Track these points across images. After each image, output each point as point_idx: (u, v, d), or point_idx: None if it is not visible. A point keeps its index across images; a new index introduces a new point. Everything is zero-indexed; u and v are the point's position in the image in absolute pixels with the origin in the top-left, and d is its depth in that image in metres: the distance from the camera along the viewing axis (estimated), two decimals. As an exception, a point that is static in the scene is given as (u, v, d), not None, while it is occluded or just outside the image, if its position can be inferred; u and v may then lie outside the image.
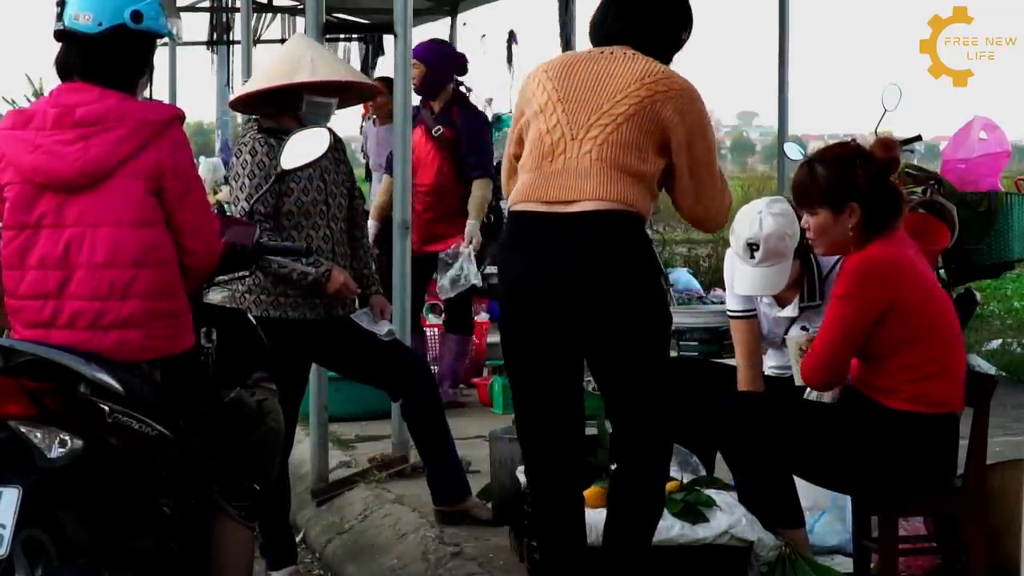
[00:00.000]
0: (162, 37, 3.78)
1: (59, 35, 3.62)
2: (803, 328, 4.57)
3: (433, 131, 7.01)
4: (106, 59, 3.57)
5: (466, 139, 7.04)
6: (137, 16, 3.57)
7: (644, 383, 3.67)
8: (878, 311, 3.93)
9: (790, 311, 4.62)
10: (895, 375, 3.99)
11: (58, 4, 3.58)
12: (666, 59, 3.79)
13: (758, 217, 4.42)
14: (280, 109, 4.76)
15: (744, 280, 4.49)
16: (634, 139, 3.60)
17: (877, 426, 3.99)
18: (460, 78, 7.31)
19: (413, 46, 5.88)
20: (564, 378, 3.73)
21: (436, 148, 7.02)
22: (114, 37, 3.56)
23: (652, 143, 3.62)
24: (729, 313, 4.73)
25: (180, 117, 3.64)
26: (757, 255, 4.39)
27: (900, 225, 4.11)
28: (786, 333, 4.63)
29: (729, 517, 4.07)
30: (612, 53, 3.73)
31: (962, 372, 4.09)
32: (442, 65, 7.03)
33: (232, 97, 5.12)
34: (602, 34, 3.82)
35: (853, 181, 4.03)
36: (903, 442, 3.97)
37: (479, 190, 7.02)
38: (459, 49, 8.37)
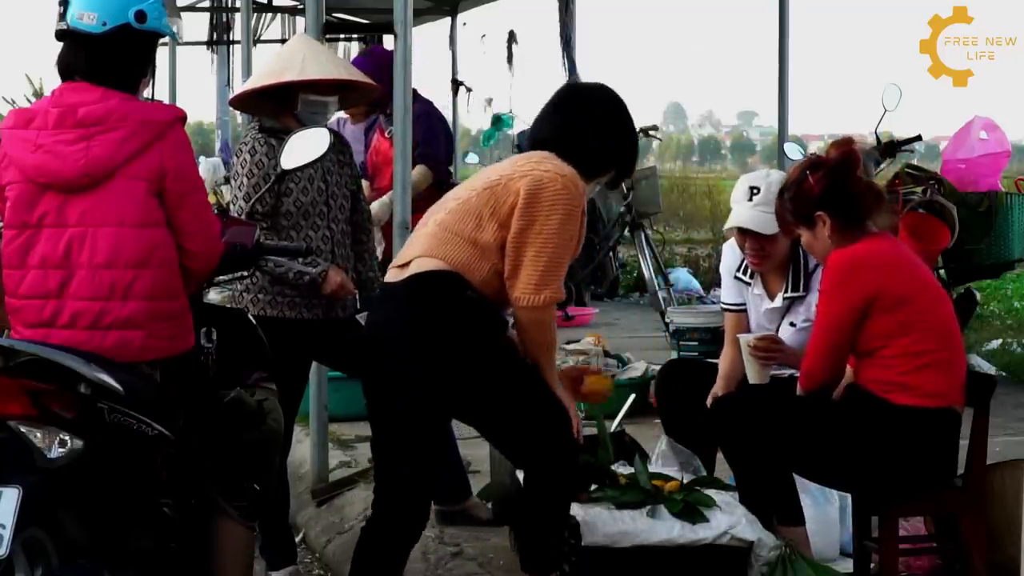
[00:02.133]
0: (164, 36, 3.78)
1: (62, 35, 3.61)
2: (791, 324, 4.61)
3: (387, 133, 7.02)
4: (110, 59, 3.57)
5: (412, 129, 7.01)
6: (141, 16, 3.57)
7: (502, 428, 3.83)
8: (860, 304, 3.98)
9: (778, 303, 4.65)
10: (888, 368, 4.00)
11: (60, 4, 3.57)
12: (593, 171, 3.90)
13: (767, 171, 4.75)
14: (279, 108, 4.76)
15: (737, 216, 4.61)
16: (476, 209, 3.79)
17: (875, 421, 4.00)
18: (460, 78, 7.29)
19: (412, 48, 5.85)
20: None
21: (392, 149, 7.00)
22: (118, 37, 3.56)
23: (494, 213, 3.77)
24: (722, 306, 4.89)
25: (182, 118, 3.64)
26: (756, 197, 4.56)
27: (895, 224, 4.18)
28: (777, 328, 4.67)
29: (729, 517, 4.07)
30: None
31: (960, 367, 4.10)
32: (375, 71, 6.91)
33: (231, 96, 5.11)
34: (534, 139, 3.98)
35: (808, 191, 4.14)
36: (901, 437, 3.97)
37: (416, 174, 6.95)
38: (459, 49, 8.33)
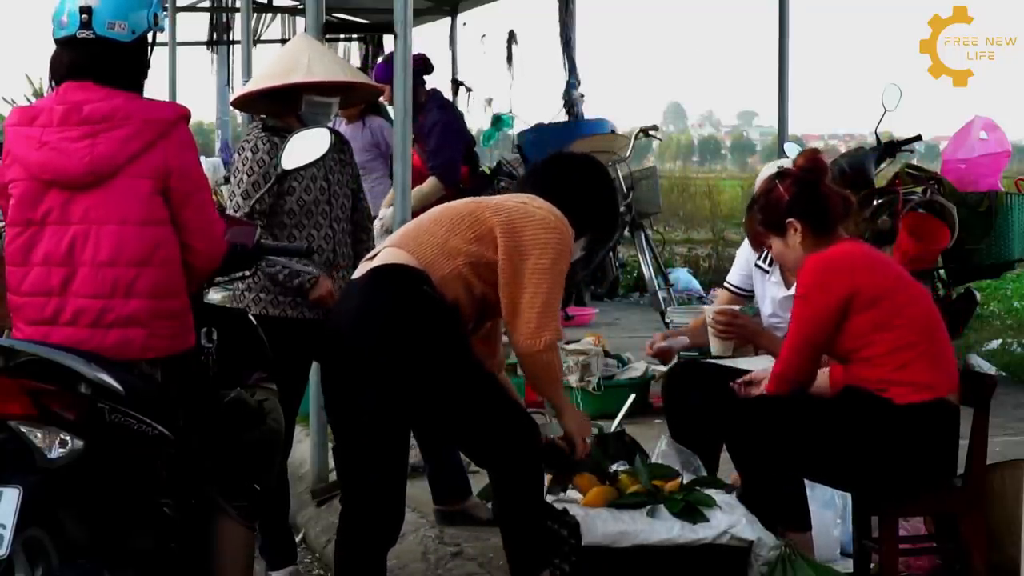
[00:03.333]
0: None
1: (82, 42, 3.55)
2: None
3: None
4: (131, 65, 3.59)
5: (427, 139, 7.02)
6: (156, 19, 3.60)
7: (463, 428, 3.85)
8: (838, 305, 4.00)
9: (794, 291, 4.67)
10: (877, 366, 4.01)
11: (84, 12, 3.52)
12: (578, 221, 3.94)
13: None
14: (282, 108, 4.76)
15: None
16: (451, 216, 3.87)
17: (872, 419, 4.00)
18: (460, 78, 7.28)
19: (413, 48, 5.85)
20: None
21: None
22: (140, 42, 3.58)
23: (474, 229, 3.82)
24: (726, 284, 4.97)
25: (186, 116, 3.64)
26: None
27: (862, 232, 4.25)
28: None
29: (729, 517, 4.07)
30: None
31: (948, 358, 4.11)
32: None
33: (233, 97, 5.11)
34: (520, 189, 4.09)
35: (778, 199, 4.19)
36: (898, 432, 3.97)
37: (426, 186, 6.96)
38: (459, 49, 8.32)
